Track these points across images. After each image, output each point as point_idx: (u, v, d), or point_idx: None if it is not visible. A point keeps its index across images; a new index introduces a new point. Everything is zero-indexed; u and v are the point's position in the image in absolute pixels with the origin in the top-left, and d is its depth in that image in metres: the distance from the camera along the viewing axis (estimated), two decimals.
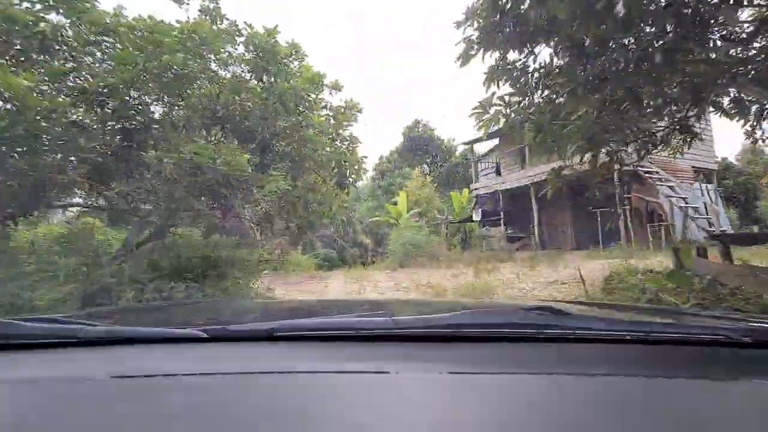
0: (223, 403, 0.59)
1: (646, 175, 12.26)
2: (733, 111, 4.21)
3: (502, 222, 16.67)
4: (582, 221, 15.80)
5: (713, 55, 3.28)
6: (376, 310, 1.25)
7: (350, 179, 6.48)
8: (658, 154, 5.34)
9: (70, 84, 4.68)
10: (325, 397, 0.62)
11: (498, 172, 19.30)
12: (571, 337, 0.81)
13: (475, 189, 18.83)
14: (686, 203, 12.18)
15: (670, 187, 12.37)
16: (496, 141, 20.09)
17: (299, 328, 0.86)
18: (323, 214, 6.48)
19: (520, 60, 4.10)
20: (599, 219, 12.53)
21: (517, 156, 18.14)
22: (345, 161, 6.55)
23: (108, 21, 4.77)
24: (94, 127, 4.64)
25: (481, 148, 20.37)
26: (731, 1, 2.92)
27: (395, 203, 22.27)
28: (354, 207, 28.56)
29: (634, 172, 12.10)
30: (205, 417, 0.57)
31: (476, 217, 17.59)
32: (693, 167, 14.35)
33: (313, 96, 6.06)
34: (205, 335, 0.82)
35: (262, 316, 1.47)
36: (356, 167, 6.39)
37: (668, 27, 3.07)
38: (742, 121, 4.26)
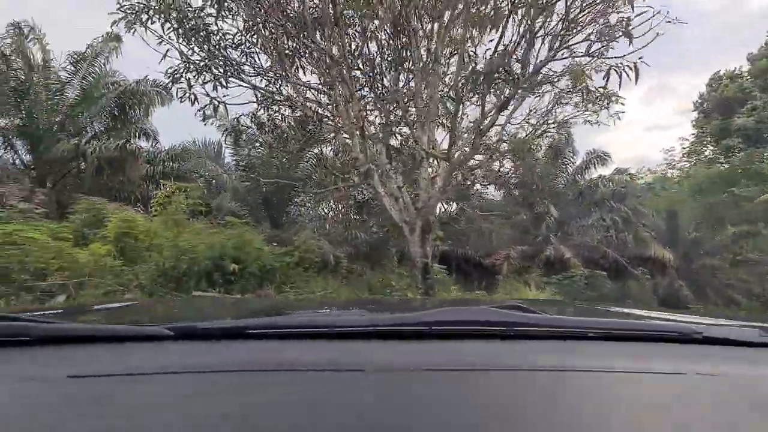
0: (190, 403, 0.58)
1: None
2: None
3: None
4: None
5: None
6: (351, 308, 1.28)
7: None
8: None
9: None
10: (298, 396, 0.60)
11: None
12: (539, 334, 0.85)
13: None
14: None
15: None
16: None
17: (272, 326, 0.84)
18: None
19: None
20: None
21: None
22: None
23: None
24: None
25: None
26: None
27: None
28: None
29: None
30: (169, 417, 0.55)
31: None
32: None
33: None
34: (171, 333, 0.78)
35: (233, 313, 1.40)
36: None
37: None
38: None
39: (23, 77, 10.69)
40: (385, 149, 5.82)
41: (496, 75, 4.41)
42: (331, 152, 9.13)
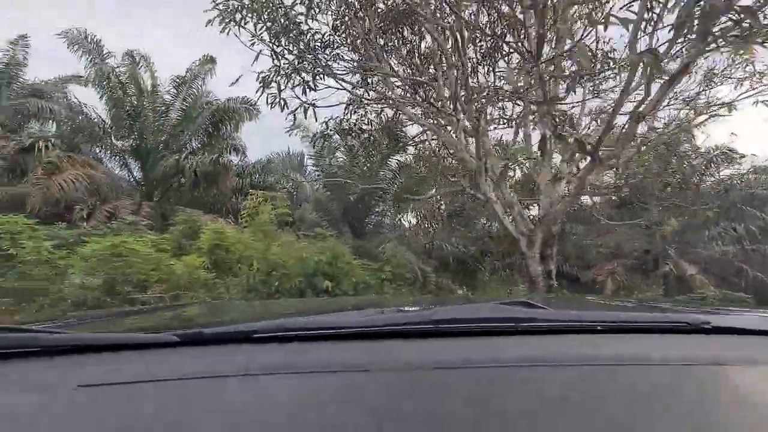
0: (199, 408, 0.58)
1: None
2: None
3: None
4: None
5: None
6: (356, 308, 1.25)
7: None
8: None
9: None
10: (306, 398, 0.61)
11: None
12: (547, 329, 0.84)
13: None
14: None
15: None
16: None
17: (278, 329, 0.84)
18: None
19: None
20: None
21: None
22: None
23: None
24: None
25: None
26: None
27: None
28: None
29: None
30: (178, 423, 0.55)
31: None
32: None
33: None
34: (178, 339, 0.77)
35: (239, 318, 1.39)
36: None
37: None
38: None
39: (135, 102, 11.84)
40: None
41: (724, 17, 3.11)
42: (413, 157, 8.41)
